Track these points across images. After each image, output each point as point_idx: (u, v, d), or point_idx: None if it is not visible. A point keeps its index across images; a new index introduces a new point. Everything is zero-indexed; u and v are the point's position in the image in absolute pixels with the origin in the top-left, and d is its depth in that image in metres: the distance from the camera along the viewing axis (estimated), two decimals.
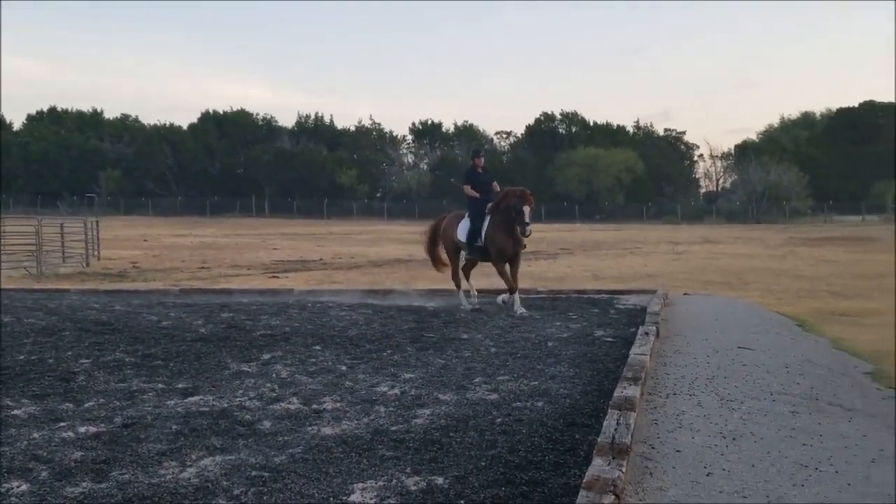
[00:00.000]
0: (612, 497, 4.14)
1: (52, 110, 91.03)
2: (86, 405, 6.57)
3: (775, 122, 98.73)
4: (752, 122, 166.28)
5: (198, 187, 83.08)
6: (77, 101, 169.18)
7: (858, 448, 5.53)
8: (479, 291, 13.24)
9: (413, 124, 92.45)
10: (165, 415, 6.24)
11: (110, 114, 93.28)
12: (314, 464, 5.05)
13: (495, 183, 12.87)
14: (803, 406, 6.63)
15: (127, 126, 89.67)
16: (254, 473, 4.87)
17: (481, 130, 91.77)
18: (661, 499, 4.49)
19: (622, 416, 5.46)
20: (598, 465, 4.56)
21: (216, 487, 4.64)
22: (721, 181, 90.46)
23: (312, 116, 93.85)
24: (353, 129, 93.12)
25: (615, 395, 6.14)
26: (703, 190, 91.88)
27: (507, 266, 12.35)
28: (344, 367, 8.04)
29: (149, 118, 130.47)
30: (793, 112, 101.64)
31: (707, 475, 4.86)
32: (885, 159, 75.94)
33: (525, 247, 12.70)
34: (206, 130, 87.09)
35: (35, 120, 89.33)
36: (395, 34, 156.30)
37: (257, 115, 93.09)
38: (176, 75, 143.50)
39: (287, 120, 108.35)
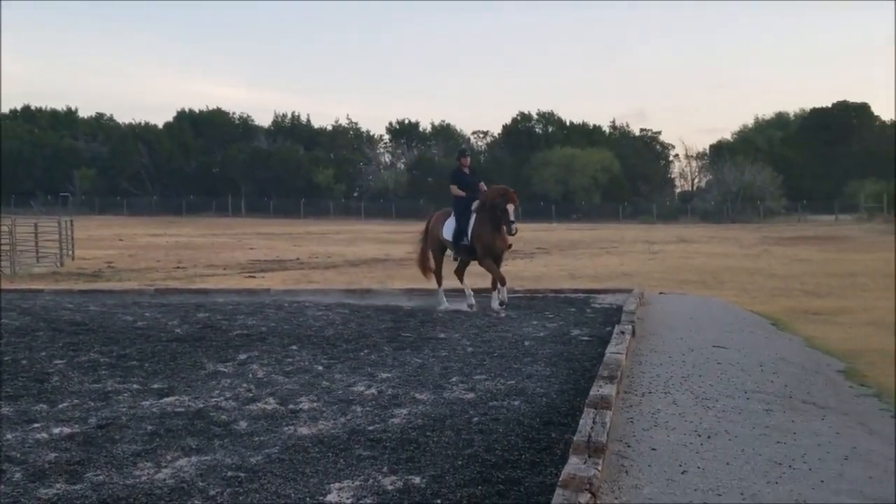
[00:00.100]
0: (588, 495, 4.15)
1: (26, 109, 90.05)
2: (60, 406, 6.52)
3: (750, 122, 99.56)
4: (726, 122, 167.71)
5: (173, 187, 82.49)
6: (51, 99, 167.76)
7: (831, 445, 5.59)
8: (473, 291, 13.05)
9: (390, 124, 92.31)
10: (140, 415, 6.21)
11: (85, 112, 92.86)
12: (290, 464, 5.04)
13: (482, 183, 12.82)
14: (777, 404, 6.69)
15: (102, 125, 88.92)
16: (230, 474, 4.86)
17: (458, 130, 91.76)
18: (636, 497, 4.52)
19: (598, 415, 5.48)
20: (575, 464, 4.58)
21: (192, 488, 4.62)
22: (696, 181, 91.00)
23: (289, 116, 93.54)
24: (329, 128, 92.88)
25: (591, 393, 6.17)
26: (678, 190, 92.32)
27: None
28: (320, 367, 8.03)
29: (124, 117, 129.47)
30: (767, 112, 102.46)
31: (682, 473, 4.90)
32: (858, 159, 76.75)
33: (511, 246, 12.67)
34: (181, 129, 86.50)
35: (8, 118, 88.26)
36: (372, 34, 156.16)
37: (233, 114, 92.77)
38: (151, 74, 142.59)
39: (263, 119, 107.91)
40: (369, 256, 27.37)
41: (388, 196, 79.82)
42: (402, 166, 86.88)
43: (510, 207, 11.91)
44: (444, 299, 12.83)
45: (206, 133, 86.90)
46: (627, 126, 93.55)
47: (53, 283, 18.03)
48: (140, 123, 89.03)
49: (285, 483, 4.70)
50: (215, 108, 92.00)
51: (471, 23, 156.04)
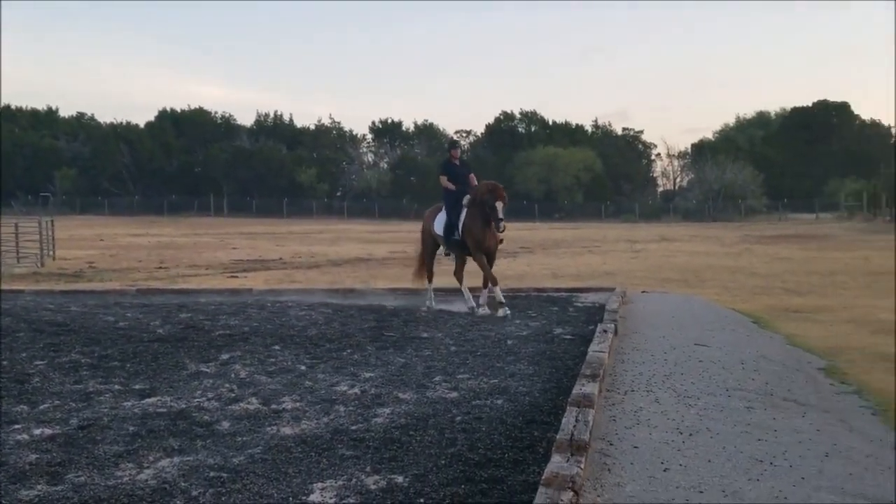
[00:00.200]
0: (571, 493, 4.17)
1: (6, 108, 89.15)
2: (41, 407, 6.48)
3: (731, 121, 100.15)
4: (708, 121, 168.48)
5: (155, 186, 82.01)
6: (32, 98, 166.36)
7: (812, 443, 5.63)
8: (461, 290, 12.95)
9: (373, 123, 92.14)
10: (122, 416, 6.18)
11: (66, 112, 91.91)
12: (273, 464, 5.03)
13: (473, 175, 12.75)
14: (758, 402, 6.73)
15: (83, 124, 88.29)
16: (212, 474, 4.84)
17: (441, 129, 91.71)
18: (618, 494, 4.54)
19: (581, 413, 5.50)
20: (557, 462, 4.59)
21: (174, 489, 4.61)
22: (678, 180, 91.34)
23: (271, 115, 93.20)
24: (312, 127, 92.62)
25: (574, 392, 6.19)
26: (660, 189, 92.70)
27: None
28: (303, 367, 8.01)
29: (105, 116, 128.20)
30: (748, 111, 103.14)
31: (664, 471, 4.92)
32: (839, 158, 77.36)
33: (501, 241, 12.58)
34: (163, 129, 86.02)
35: None
36: (354, 33, 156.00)
37: (215, 113, 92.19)
38: (133, 73, 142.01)
39: (246, 118, 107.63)
40: (352, 256, 27.32)
41: (371, 195, 79.71)
42: (385, 166, 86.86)
43: (499, 205, 11.85)
44: (433, 298, 12.77)
45: (187, 132, 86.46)
46: (610, 125, 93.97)
47: (34, 283, 17.90)
48: (121, 123, 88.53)
49: (268, 483, 4.69)
50: (197, 107, 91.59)
51: (453, 22, 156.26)
